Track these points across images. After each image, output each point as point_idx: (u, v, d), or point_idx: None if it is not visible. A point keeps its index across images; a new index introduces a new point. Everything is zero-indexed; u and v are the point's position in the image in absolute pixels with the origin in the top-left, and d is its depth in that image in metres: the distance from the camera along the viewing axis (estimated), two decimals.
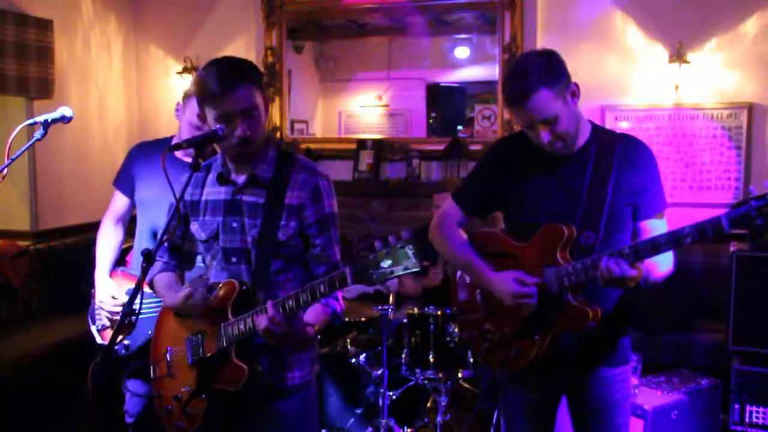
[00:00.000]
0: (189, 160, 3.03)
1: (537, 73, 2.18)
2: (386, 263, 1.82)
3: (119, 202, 3.22)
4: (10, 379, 3.95)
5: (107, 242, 3.20)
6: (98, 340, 3.17)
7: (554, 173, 2.32)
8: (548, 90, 2.17)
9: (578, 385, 2.41)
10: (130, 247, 3.30)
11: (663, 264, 2.22)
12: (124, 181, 3.20)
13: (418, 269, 1.82)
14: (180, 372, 2.33)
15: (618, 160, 2.27)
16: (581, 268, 2.15)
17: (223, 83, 2.11)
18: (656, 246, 2.02)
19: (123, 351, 3.07)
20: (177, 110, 3.14)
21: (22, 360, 4.10)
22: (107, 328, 3.15)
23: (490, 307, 2.42)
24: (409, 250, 1.81)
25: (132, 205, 3.23)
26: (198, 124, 2.99)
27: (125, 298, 3.05)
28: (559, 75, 2.21)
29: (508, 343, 2.36)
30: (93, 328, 3.19)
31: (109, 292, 3.10)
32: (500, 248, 2.39)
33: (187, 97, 3.04)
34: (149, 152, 3.16)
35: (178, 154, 3.10)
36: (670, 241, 1.99)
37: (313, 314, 2.20)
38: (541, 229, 2.27)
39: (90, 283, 3.22)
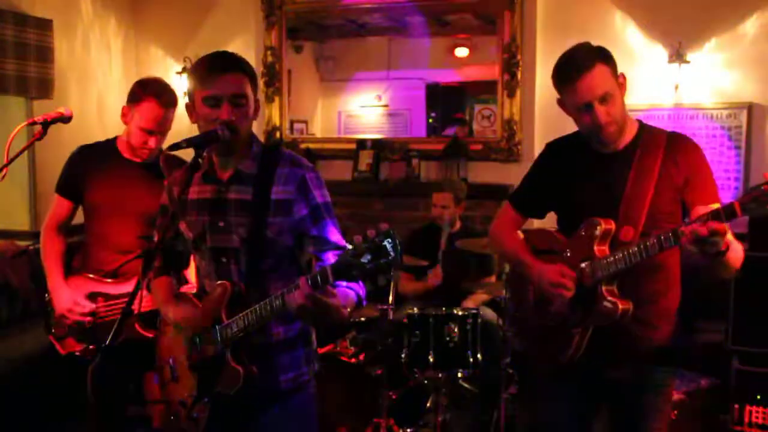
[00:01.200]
0: (137, 160, 3.07)
1: (594, 51, 2.27)
2: (366, 258, 1.79)
3: (62, 208, 3.13)
4: (10, 379, 3.95)
5: (54, 250, 3.13)
6: (61, 350, 3.08)
7: (599, 171, 2.36)
8: (605, 66, 2.25)
9: (622, 387, 2.40)
10: (74, 251, 3.22)
11: (737, 251, 2.16)
12: (69, 187, 3.12)
13: (397, 262, 1.79)
14: (183, 376, 2.32)
15: (664, 158, 2.29)
16: (614, 260, 2.19)
17: (214, 66, 2.13)
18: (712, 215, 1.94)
19: (82, 355, 3.03)
20: (124, 115, 3.05)
21: (22, 360, 4.10)
22: (68, 336, 3.07)
23: (537, 301, 2.47)
24: (388, 244, 1.78)
25: (74, 211, 3.17)
26: (149, 129, 2.98)
27: (87, 302, 3.02)
28: (613, 58, 2.29)
29: (551, 337, 2.40)
30: (52, 339, 3.10)
31: (71, 299, 3.02)
32: (548, 245, 2.46)
33: (135, 102, 2.99)
34: (95, 155, 3.12)
35: (126, 153, 3.09)
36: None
37: (342, 296, 2.09)
38: (582, 224, 2.32)
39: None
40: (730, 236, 2.02)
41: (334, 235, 2.19)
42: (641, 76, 5.00)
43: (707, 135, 4.90)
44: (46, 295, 3.13)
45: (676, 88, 4.90)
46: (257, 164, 2.21)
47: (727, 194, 4.81)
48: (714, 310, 4.37)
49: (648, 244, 2.11)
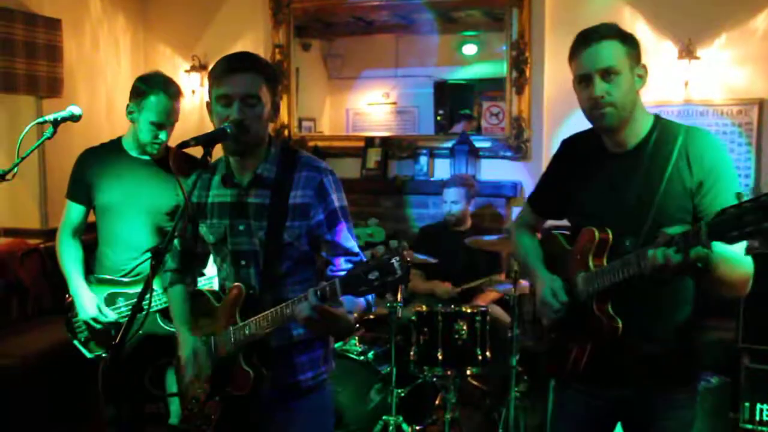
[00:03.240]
0: (145, 157, 3.08)
1: (612, 27, 2.12)
2: (373, 275, 1.81)
3: (74, 213, 3.15)
4: (21, 376, 3.97)
5: (72, 256, 3.13)
6: (87, 354, 3.10)
7: (606, 172, 2.19)
8: (621, 45, 2.11)
9: (632, 408, 2.21)
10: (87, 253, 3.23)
11: (739, 264, 1.93)
12: (79, 191, 3.13)
13: (404, 281, 1.82)
14: (200, 374, 2.33)
15: (678, 157, 2.07)
16: (609, 269, 2.03)
17: (229, 65, 2.14)
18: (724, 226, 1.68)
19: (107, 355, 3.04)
20: (130, 113, 3.05)
21: (33, 358, 4.12)
22: (90, 339, 3.10)
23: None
24: (395, 262, 1.80)
25: (87, 214, 3.17)
26: (159, 122, 2.99)
27: (110, 312, 3.04)
28: (635, 45, 2.17)
29: (554, 349, 2.31)
30: (77, 343, 3.11)
31: (94, 307, 3.03)
32: (555, 251, 2.35)
33: (141, 97, 3.00)
34: (103, 156, 3.13)
35: (133, 153, 3.11)
36: (732, 218, 1.65)
37: (350, 302, 2.11)
38: (580, 233, 2.18)
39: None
40: (722, 252, 1.81)
41: (348, 241, 2.21)
42: (650, 73, 4.95)
43: (717, 132, 4.87)
44: (67, 297, 3.13)
45: (686, 84, 4.87)
46: (276, 168, 2.21)
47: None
48: (724, 308, 4.35)
49: (636, 261, 1.91)
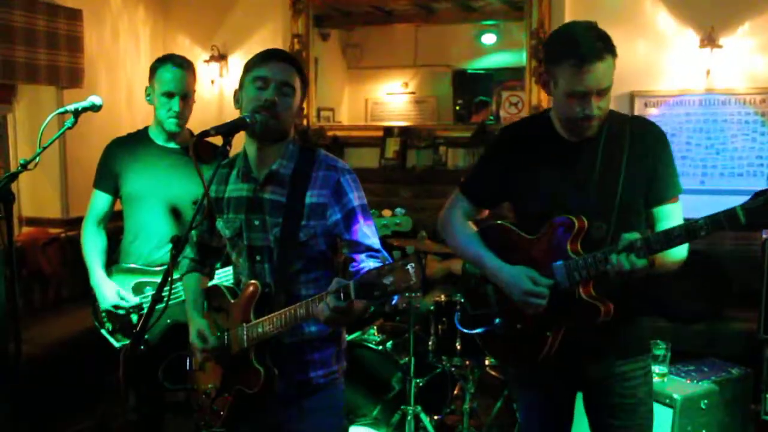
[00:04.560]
0: (174, 145, 3.08)
1: (607, 38, 2.11)
2: (388, 280, 1.82)
3: (100, 202, 3.16)
4: (43, 364, 4.02)
5: (95, 245, 3.14)
6: (115, 343, 3.10)
7: (563, 161, 2.22)
8: (613, 61, 2.11)
9: (595, 381, 2.30)
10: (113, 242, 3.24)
11: (674, 254, 2.12)
12: (106, 180, 3.14)
13: (418, 288, 1.83)
14: (210, 368, 2.35)
15: (630, 145, 2.18)
16: (592, 262, 2.08)
17: (269, 53, 2.19)
18: (670, 239, 1.97)
19: (143, 347, 2.98)
20: (148, 95, 3.07)
21: (55, 346, 4.17)
22: (116, 330, 3.10)
23: (500, 302, 2.33)
24: (411, 268, 1.80)
25: (113, 204, 3.18)
26: (169, 91, 2.99)
27: (131, 296, 3.05)
28: (616, 52, 2.17)
29: (519, 340, 2.29)
30: (105, 333, 3.11)
31: (115, 291, 3.04)
32: (509, 242, 2.31)
33: (152, 74, 3.03)
34: (130, 145, 3.14)
35: (159, 141, 3.11)
36: (684, 234, 1.95)
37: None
38: (551, 222, 2.19)
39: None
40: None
41: (368, 238, 2.18)
42: (672, 62, 4.93)
43: (739, 120, 4.82)
44: (93, 290, 3.13)
45: (708, 73, 4.82)
46: (293, 165, 2.21)
47: (760, 181, 4.73)
48: (746, 299, 4.31)
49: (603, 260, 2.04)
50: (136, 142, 3.15)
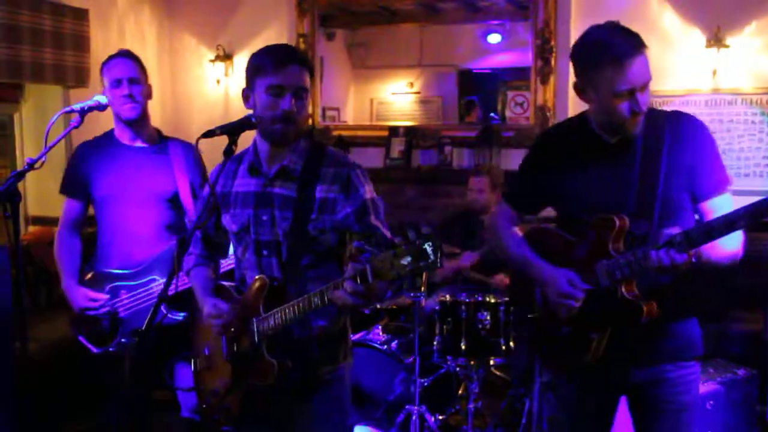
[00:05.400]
0: (141, 144, 3.03)
1: (637, 34, 2.09)
2: (406, 260, 1.80)
3: (72, 208, 3.11)
4: (49, 362, 4.03)
5: (68, 252, 3.08)
6: (93, 349, 3.04)
7: (603, 161, 2.20)
8: (647, 54, 2.09)
9: (640, 386, 2.25)
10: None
11: (725, 244, 2.05)
12: (75, 186, 3.08)
13: (438, 266, 1.81)
14: (218, 366, 2.35)
15: (669, 141, 2.14)
16: (633, 259, 2.05)
17: (283, 56, 2.16)
18: (710, 232, 1.93)
19: (116, 349, 2.99)
20: (101, 100, 2.93)
21: (61, 343, 4.18)
22: (91, 335, 3.04)
23: (547, 305, 2.30)
24: (429, 247, 1.79)
25: (86, 209, 3.13)
26: (117, 78, 2.94)
27: (101, 296, 2.98)
28: None
29: (565, 342, 2.28)
30: (82, 340, 3.05)
31: (86, 297, 2.99)
32: (554, 244, 2.31)
33: (101, 75, 3.00)
34: (96, 149, 3.07)
35: (125, 140, 3.04)
36: (723, 225, 1.90)
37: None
38: (592, 222, 2.17)
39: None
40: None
41: (379, 230, 2.20)
42: (678, 62, 4.92)
43: (746, 121, 4.81)
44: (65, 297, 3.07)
45: (714, 73, 4.81)
46: (303, 161, 2.23)
47: (767, 181, 4.72)
48: (753, 300, 4.30)
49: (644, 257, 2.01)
50: (103, 144, 3.08)
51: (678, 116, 2.23)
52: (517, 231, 2.45)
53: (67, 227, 3.12)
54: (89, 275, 3.07)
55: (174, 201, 3.03)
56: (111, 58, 3.05)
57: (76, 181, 3.08)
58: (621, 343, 2.17)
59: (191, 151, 3.08)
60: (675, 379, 2.23)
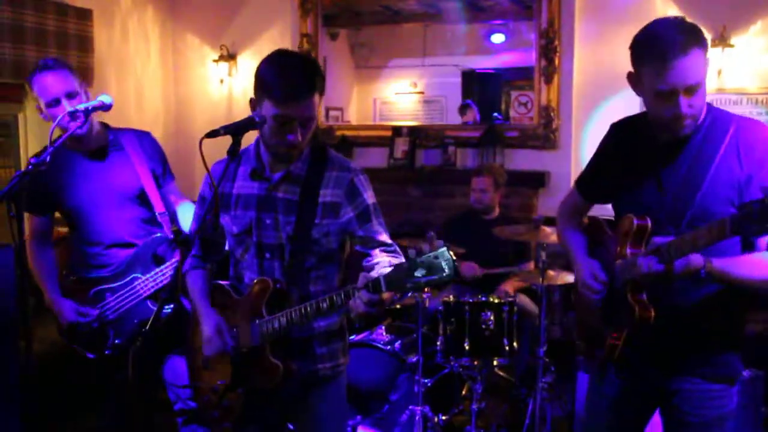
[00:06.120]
0: (95, 146, 2.92)
1: (692, 30, 1.97)
2: (420, 272, 1.82)
3: (39, 223, 3.03)
4: (52, 360, 4.03)
5: (45, 265, 3.04)
6: (89, 355, 3.03)
7: (651, 160, 2.14)
8: (702, 54, 1.96)
9: (670, 393, 2.19)
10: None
11: (755, 266, 1.97)
12: (40, 204, 2.99)
13: (452, 279, 1.83)
14: (217, 365, 2.35)
15: (727, 149, 2.01)
16: (631, 263, 2.04)
17: (293, 90, 2.08)
18: (693, 241, 1.85)
19: (111, 351, 2.98)
20: (42, 114, 2.86)
21: (64, 344, 4.18)
22: (83, 345, 3.03)
23: (579, 296, 2.35)
24: (443, 260, 1.81)
25: (52, 221, 3.06)
26: (52, 98, 2.78)
27: (89, 309, 2.97)
28: (707, 42, 2.00)
29: (591, 334, 2.31)
30: (76, 347, 3.04)
31: (74, 310, 2.97)
32: (600, 237, 2.34)
33: (32, 92, 2.85)
34: (53, 163, 2.80)
35: (78, 148, 2.93)
36: (707, 234, 1.82)
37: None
38: (620, 220, 2.17)
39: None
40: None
41: (381, 235, 2.25)
42: None
43: None
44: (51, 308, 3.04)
45: (719, 73, 4.79)
46: (306, 166, 2.24)
47: None
48: (756, 300, 4.29)
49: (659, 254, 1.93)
50: (58, 157, 2.86)
51: (746, 123, 2.08)
52: (575, 219, 2.47)
53: (37, 241, 3.05)
54: (72, 279, 3.04)
55: (141, 197, 2.99)
56: (39, 71, 2.82)
57: (40, 200, 2.97)
58: (647, 347, 2.16)
59: (146, 139, 3.06)
60: (704, 392, 2.15)
